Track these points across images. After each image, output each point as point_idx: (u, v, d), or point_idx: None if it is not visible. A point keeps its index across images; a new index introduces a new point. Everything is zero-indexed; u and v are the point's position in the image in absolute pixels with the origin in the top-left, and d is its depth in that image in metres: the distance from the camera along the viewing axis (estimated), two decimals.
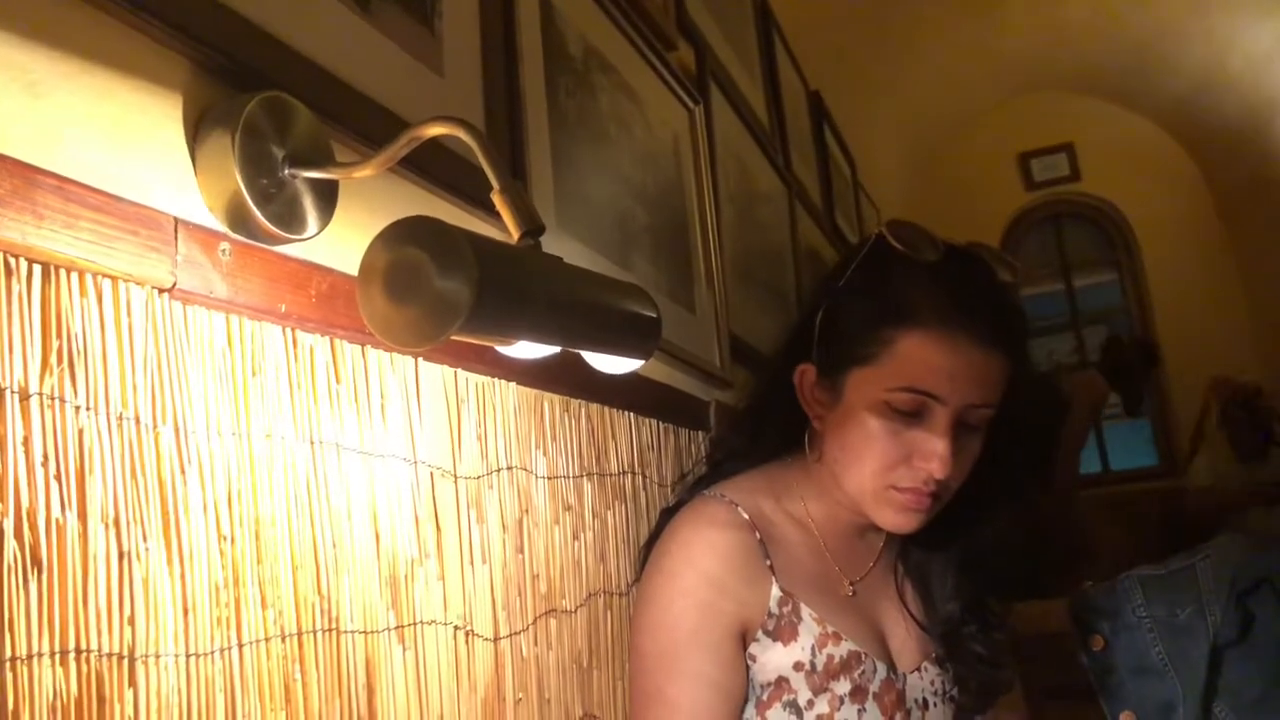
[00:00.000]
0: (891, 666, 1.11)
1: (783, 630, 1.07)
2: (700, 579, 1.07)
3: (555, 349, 0.71)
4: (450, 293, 0.48)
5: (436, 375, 0.89)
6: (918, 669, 1.13)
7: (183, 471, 0.61)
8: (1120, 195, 5.78)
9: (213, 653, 0.60)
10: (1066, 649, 1.40)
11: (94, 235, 0.57)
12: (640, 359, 0.73)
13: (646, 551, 1.20)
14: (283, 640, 0.66)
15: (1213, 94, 4.88)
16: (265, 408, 0.68)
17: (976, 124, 5.70)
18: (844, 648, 1.08)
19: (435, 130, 0.64)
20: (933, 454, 1.04)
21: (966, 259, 1.09)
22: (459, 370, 0.92)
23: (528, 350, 0.71)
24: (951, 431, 1.05)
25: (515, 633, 0.95)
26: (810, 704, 1.06)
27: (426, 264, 0.49)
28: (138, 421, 0.58)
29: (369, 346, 0.79)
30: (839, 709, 1.06)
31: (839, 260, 1.16)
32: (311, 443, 0.72)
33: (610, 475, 1.21)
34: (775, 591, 1.08)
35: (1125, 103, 5.46)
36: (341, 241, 0.78)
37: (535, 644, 0.98)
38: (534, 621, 0.99)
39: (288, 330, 0.71)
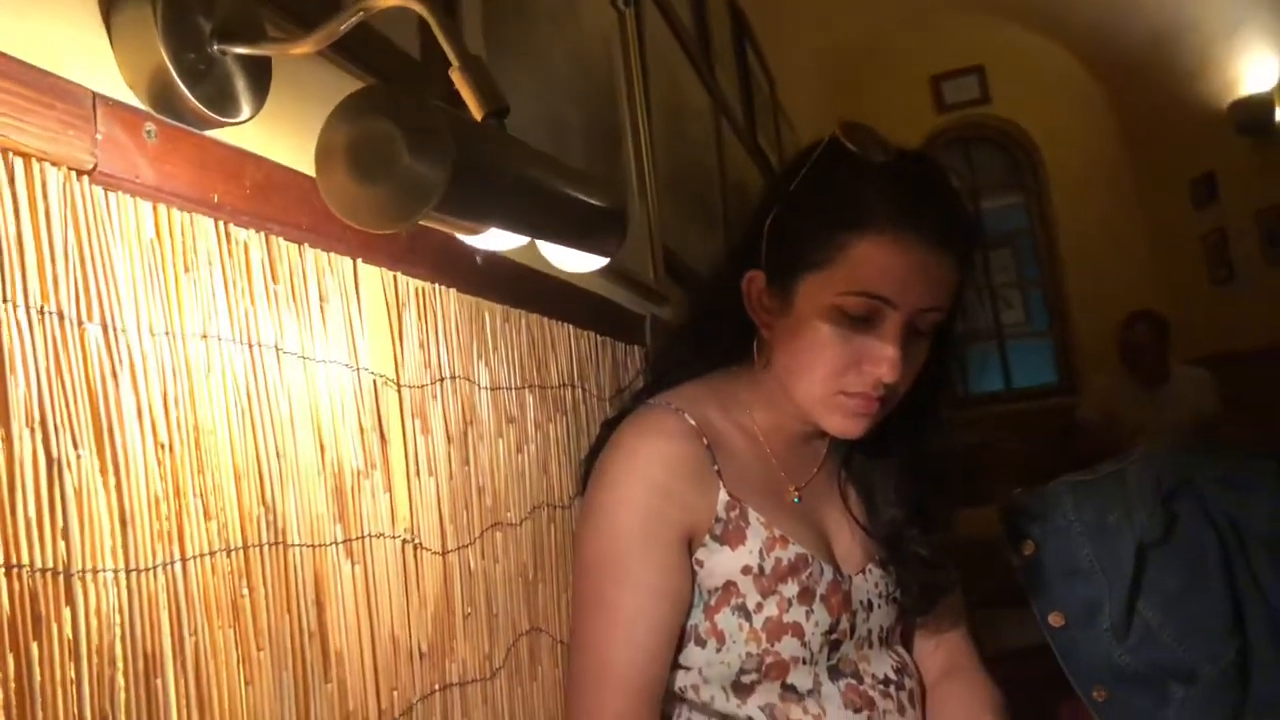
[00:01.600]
0: (837, 569, 1.11)
1: (730, 534, 1.07)
2: (647, 486, 1.06)
3: (519, 240, 0.66)
4: (424, 173, 0.44)
5: (375, 278, 0.84)
6: (862, 571, 1.14)
7: (114, 374, 0.55)
8: (1029, 119, 5.86)
9: (155, 568, 0.56)
10: (998, 554, 1.43)
11: (3, 106, 0.51)
12: (605, 255, 0.69)
13: (588, 464, 1.18)
14: (228, 555, 0.62)
15: (1120, 18, 4.95)
16: (199, 307, 0.63)
17: (890, 47, 5.70)
18: (791, 551, 1.08)
19: (387, 2, 0.58)
20: (883, 359, 1.04)
21: (920, 162, 1.07)
22: (399, 274, 0.87)
23: (490, 241, 0.66)
24: (902, 336, 1.04)
25: (463, 546, 0.92)
26: (759, 606, 1.06)
27: (398, 139, 0.44)
28: (61, 317, 0.53)
29: (306, 245, 0.74)
30: (787, 611, 1.06)
31: (788, 165, 1.13)
32: (250, 345, 0.67)
33: (551, 387, 1.18)
34: (723, 496, 1.07)
35: (1035, 26, 5.51)
36: (274, 130, 0.72)
37: (482, 557, 0.96)
38: (480, 535, 0.96)
39: (220, 224, 0.66)
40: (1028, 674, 1.32)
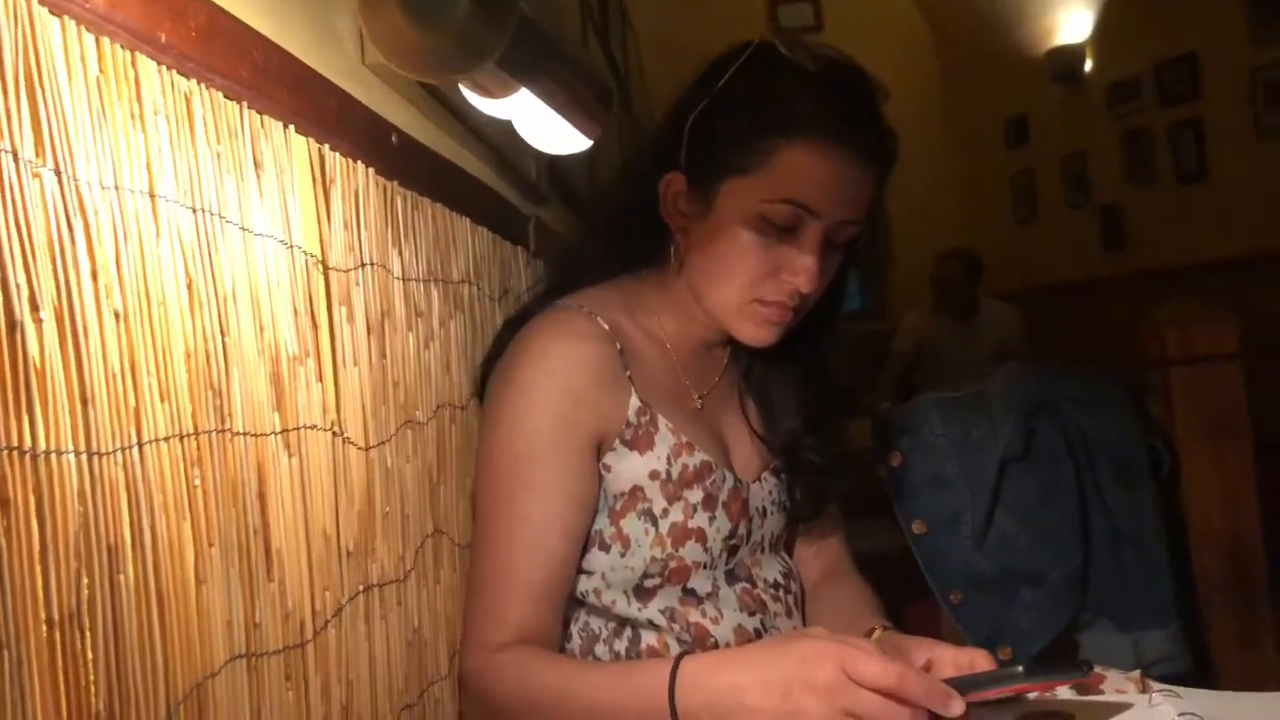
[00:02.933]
0: (736, 476, 1.13)
1: (640, 440, 1.06)
2: (559, 389, 1.03)
3: (537, 112, 0.61)
4: (484, 25, 0.39)
5: (303, 150, 0.76)
6: (758, 479, 1.16)
7: (69, 227, 0.48)
8: (857, 52, 5.98)
9: (115, 452, 0.50)
10: (865, 464, 1.49)
11: None
12: (593, 136, 0.65)
13: (487, 367, 1.14)
14: (181, 440, 0.56)
15: None
16: (144, 159, 0.55)
17: None
18: (697, 457, 1.08)
19: None
20: (802, 268, 1.04)
21: (852, 73, 1.07)
22: (326, 147, 0.79)
23: (505, 108, 0.61)
24: (821, 247, 1.05)
25: (382, 442, 0.87)
26: (665, 512, 1.06)
27: None
28: (16, 156, 0.45)
29: (246, 104, 0.66)
30: (692, 516, 1.07)
31: (710, 66, 1.10)
32: (195, 210, 0.60)
33: (452, 283, 1.13)
34: (634, 401, 1.06)
35: None
36: None
37: (397, 455, 0.91)
38: (396, 432, 0.91)
39: (164, 70, 0.58)
40: (875, 578, 1.38)
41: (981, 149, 5.31)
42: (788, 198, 1.02)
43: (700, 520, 1.07)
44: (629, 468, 1.06)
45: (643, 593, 1.07)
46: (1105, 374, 1.47)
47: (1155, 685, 0.83)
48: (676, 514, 1.07)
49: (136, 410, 0.52)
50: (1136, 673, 0.98)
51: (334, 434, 0.76)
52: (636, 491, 1.06)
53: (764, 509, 1.16)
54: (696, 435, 1.11)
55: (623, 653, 1.07)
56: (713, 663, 0.87)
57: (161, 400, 0.54)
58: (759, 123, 1.03)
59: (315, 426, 0.73)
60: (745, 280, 1.05)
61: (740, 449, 1.17)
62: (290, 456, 0.69)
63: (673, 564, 1.06)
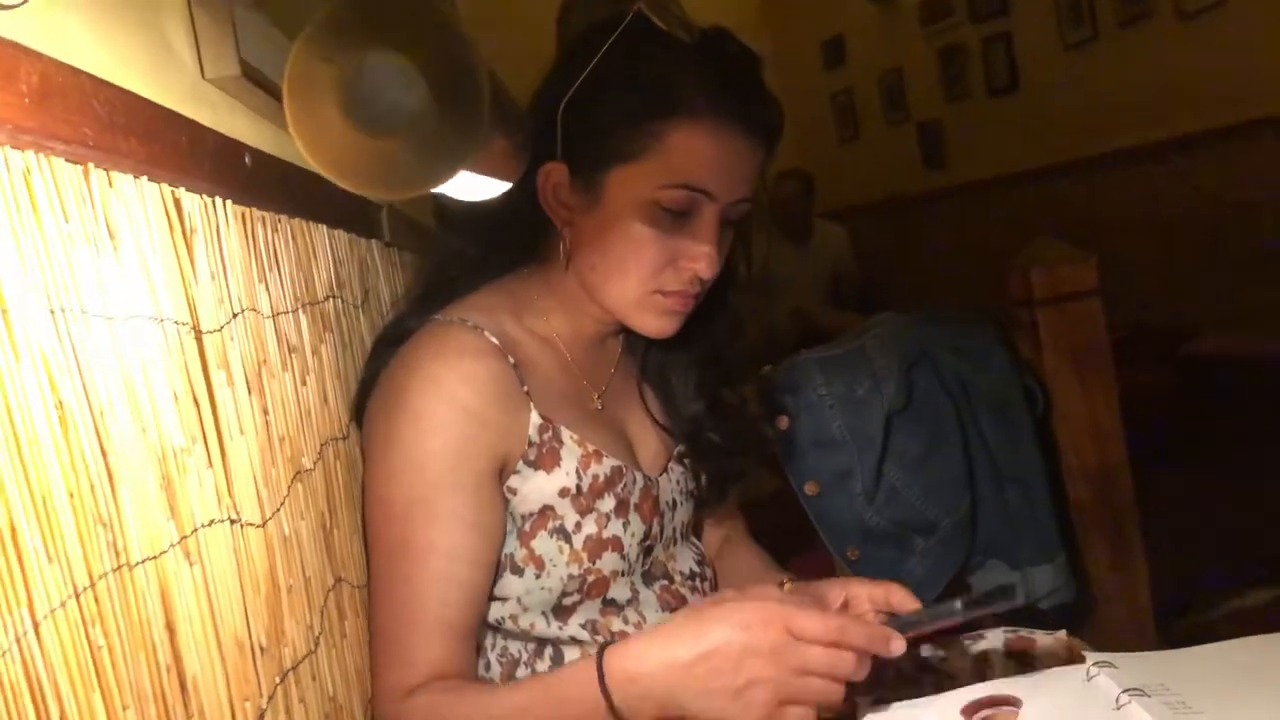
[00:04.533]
0: (645, 474, 1.09)
1: (545, 458, 1.00)
2: (455, 414, 0.96)
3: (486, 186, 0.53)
4: (453, 133, 0.32)
5: (158, 201, 0.66)
6: (665, 471, 1.13)
7: None
8: None
9: (7, 650, 0.41)
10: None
11: None
12: (510, 178, 0.58)
13: (365, 390, 1.05)
14: (78, 599, 0.47)
15: None
16: None
17: None
18: (606, 465, 1.04)
19: None
20: (701, 255, 1.00)
21: (726, 41, 1.02)
22: (183, 189, 0.69)
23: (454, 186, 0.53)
24: (719, 229, 1.01)
25: (277, 509, 0.78)
26: (578, 526, 1.02)
27: (418, 80, 0.32)
28: None
29: (92, 166, 0.56)
30: (606, 526, 1.03)
31: (578, 44, 1.03)
32: (53, 312, 0.50)
33: (318, 303, 1.03)
34: (535, 419, 1.00)
35: None
36: (51, 19, 0.53)
37: (292, 516, 0.82)
38: (288, 491, 0.82)
39: None
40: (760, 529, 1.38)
41: (801, 71, 5.36)
42: (683, 183, 0.97)
43: (615, 529, 1.04)
44: (536, 488, 1.00)
45: (562, 611, 1.03)
46: (977, 320, 1.50)
47: (1089, 655, 0.85)
48: (590, 526, 1.02)
49: (26, 584, 0.43)
50: (1063, 633, 1.01)
51: (230, 521, 0.68)
52: (546, 511, 1.01)
53: (673, 501, 1.13)
54: (602, 440, 1.06)
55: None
56: (639, 649, 0.83)
57: (49, 561, 0.45)
58: (642, 105, 0.97)
59: (212, 522, 0.64)
60: (644, 272, 1.01)
61: (645, 443, 1.13)
62: (191, 565, 0.60)
63: (591, 578, 1.02)
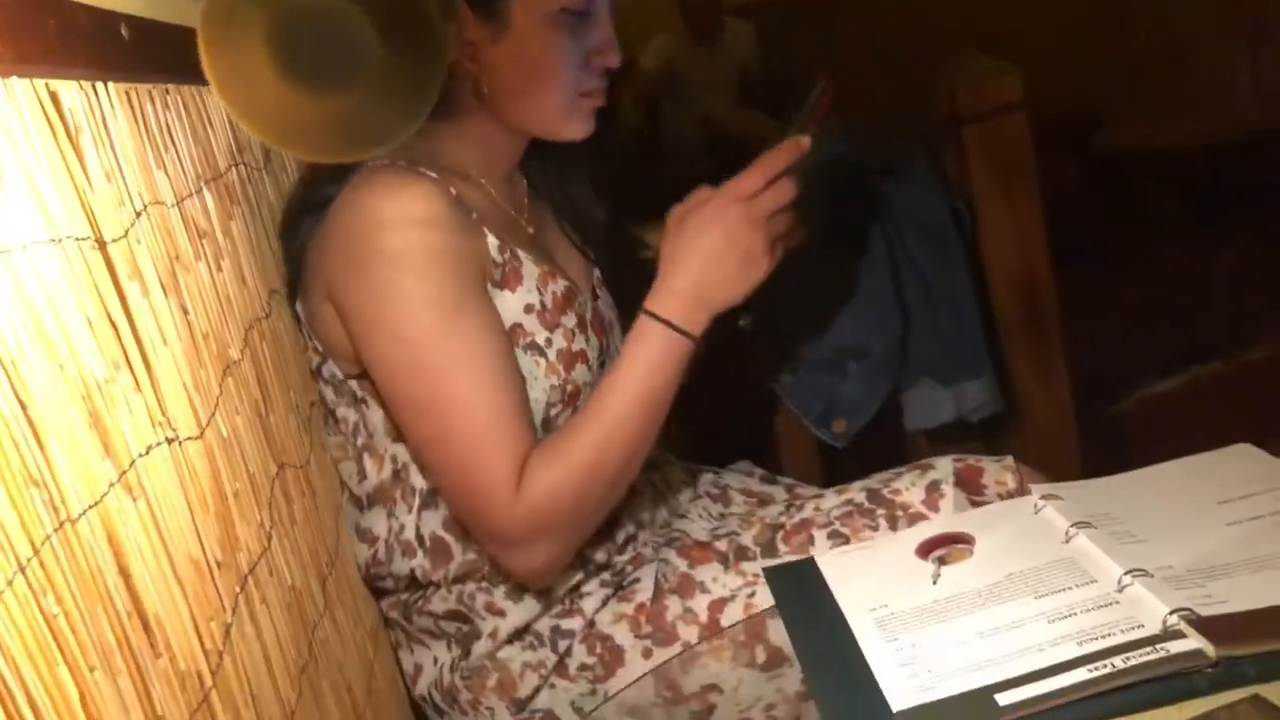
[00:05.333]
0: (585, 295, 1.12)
1: (508, 277, 1.03)
2: (433, 242, 0.97)
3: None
4: (415, 72, 0.27)
5: (34, 102, 0.58)
6: (596, 296, 1.15)
7: None
8: None
9: None
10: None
11: None
12: None
13: (297, 265, 1.03)
14: (24, 573, 0.44)
15: None
16: None
17: None
18: (560, 284, 1.08)
19: None
20: (606, 45, 1.03)
21: None
22: (54, 81, 0.61)
23: None
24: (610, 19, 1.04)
25: (212, 414, 0.74)
26: (549, 341, 1.05)
27: (366, 28, 0.26)
28: None
29: None
30: (573, 340, 1.06)
31: None
32: None
33: (221, 176, 0.95)
34: (492, 240, 1.03)
35: None
36: None
37: (228, 416, 0.79)
38: (220, 390, 0.78)
39: None
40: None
41: None
42: None
43: (580, 343, 1.08)
44: (504, 307, 1.03)
45: (548, 424, 1.05)
46: (904, 141, 1.47)
47: (1035, 488, 0.88)
48: (560, 340, 1.05)
49: None
50: (1010, 459, 1.05)
51: (168, 441, 0.64)
52: (516, 329, 1.04)
53: (610, 322, 1.16)
54: (548, 262, 1.09)
55: None
56: (663, 289, 0.99)
57: None
58: None
59: (149, 448, 0.61)
60: (567, 79, 1.02)
61: (572, 266, 1.14)
62: (135, 500, 0.57)
63: (569, 388, 1.06)
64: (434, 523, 1.06)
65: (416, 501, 1.06)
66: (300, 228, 1.01)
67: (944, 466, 1.07)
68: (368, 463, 1.09)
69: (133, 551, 0.55)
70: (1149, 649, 0.66)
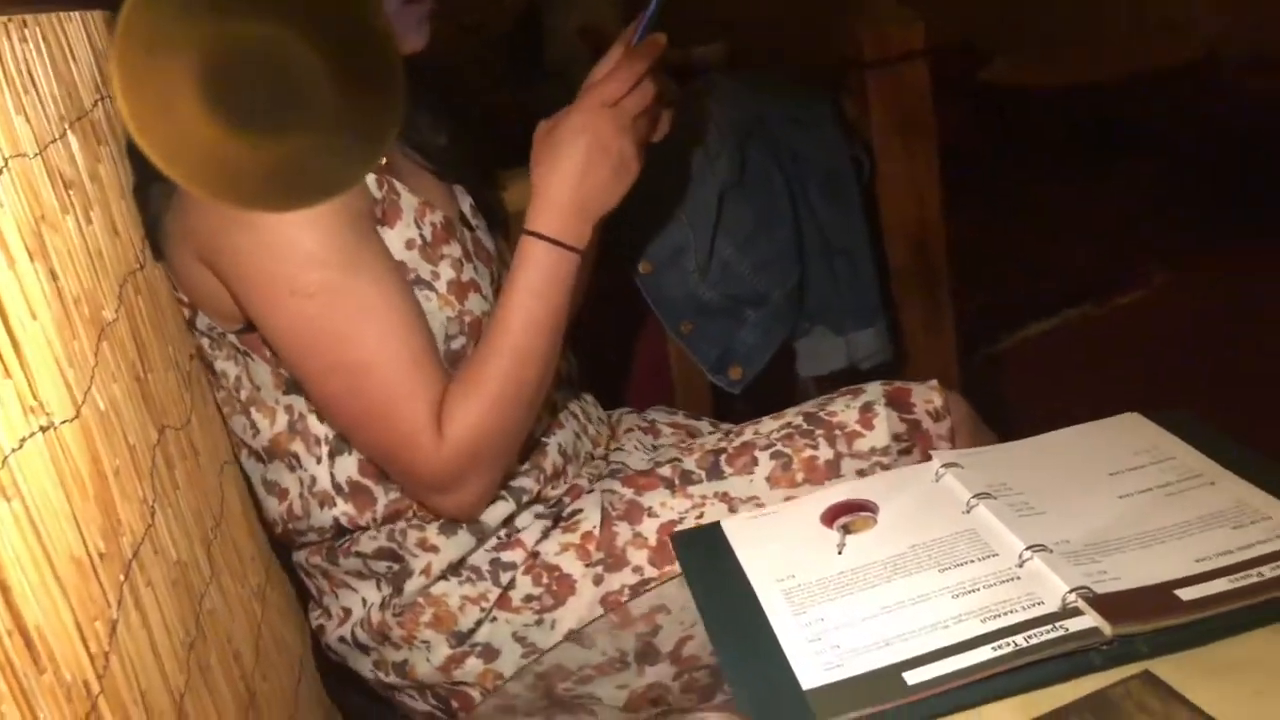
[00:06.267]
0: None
1: (388, 213, 1.00)
2: None
3: None
4: (369, 113, 0.23)
5: None
6: (469, 226, 1.12)
7: None
8: None
9: None
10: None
11: None
12: None
13: (156, 223, 0.96)
14: None
15: None
16: None
17: None
18: (438, 214, 1.05)
19: None
20: None
21: None
22: None
23: None
24: None
25: (88, 388, 0.69)
26: (435, 275, 1.03)
27: (315, 62, 0.22)
28: None
29: None
30: (461, 271, 1.04)
31: None
32: None
33: (87, 114, 0.87)
34: (369, 174, 0.98)
35: None
36: None
37: (104, 385, 0.73)
38: (95, 357, 0.72)
39: None
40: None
41: None
42: None
43: (470, 273, 1.06)
44: (388, 244, 0.99)
45: (452, 358, 1.03)
46: (812, 89, 1.45)
47: (935, 455, 0.89)
48: (447, 272, 1.03)
49: None
50: (934, 382, 1.08)
51: (43, 430, 0.59)
52: (400, 266, 1.00)
53: (493, 250, 1.13)
54: (422, 193, 1.06)
55: None
56: (541, 204, 0.99)
57: None
58: None
59: (23, 441, 0.55)
60: None
61: (438, 197, 1.10)
62: (10, 502, 0.52)
63: (466, 319, 1.04)
64: (349, 468, 1.02)
65: (324, 450, 1.03)
66: (152, 190, 0.94)
67: (874, 390, 1.09)
68: (257, 416, 1.04)
69: (10, 562, 0.50)
70: (1049, 627, 0.68)
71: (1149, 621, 0.67)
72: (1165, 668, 0.65)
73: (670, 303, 1.43)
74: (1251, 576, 0.69)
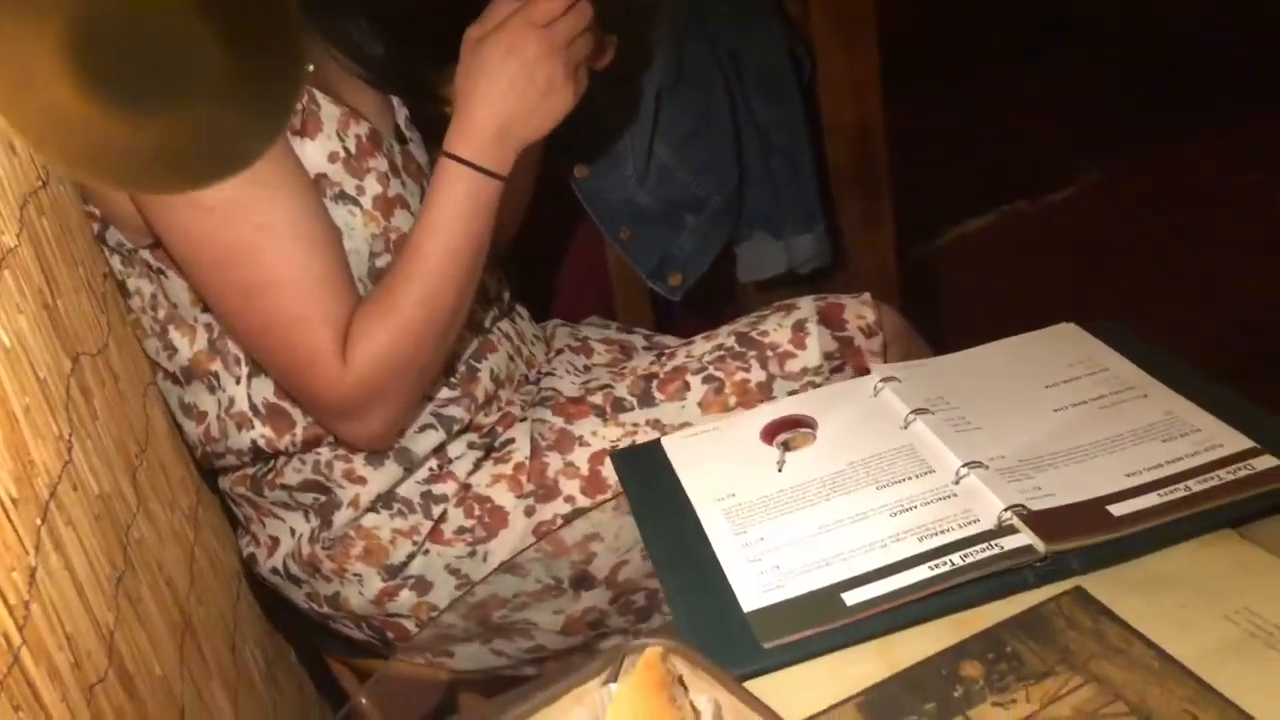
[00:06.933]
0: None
1: (308, 123, 0.96)
2: None
3: None
4: (269, 86, 0.20)
5: None
6: (404, 139, 1.08)
7: None
8: None
9: None
10: None
11: None
12: None
13: None
14: None
15: None
16: None
17: None
18: (364, 126, 1.01)
19: None
20: None
21: None
22: None
23: None
24: None
25: None
26: (360, 189, 0.99)
27: (200, 29, 0.19)
28: None
29: None
30: (387, 185, 1.00)
31: None
32: None
33: None
34: None
35: None
36: None
37: (9, 319, 0.69)
38: None
39: None
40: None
41: None
42: None
43: (397, 188, 1.02)
44: (306, 157, 0.95)
45: (377, 275, 1.00)
46: None
47: (874, 368, 0.89)
48: (373, 186, 0.99)
49: None
50: (867, 295, 1.07)
51: None
52: (321, 180, 0.97)
53: (426, 166, 1.09)
54: (346, 103, 1.01)
55: None
56: (461, 124, 0.94)
57: None
58: None
59: None
60: None
61: (370, 107, 1.06)
62: None
63: (392, 236, 1.00)
64: (265, 389, 1.00)
65: (244, 370, 1.00)
66: None
67: (806, 306, 1.08)
68: (175, 336, 1.00)
69: None
70: (985, 545, 0.68)
71: (1081, 538, 0.68)
72: (1096, 583, 0.66)
73: (607, 208, 1.40)
74: (1180, 490, 0.70)
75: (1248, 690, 0.57)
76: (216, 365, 0.99)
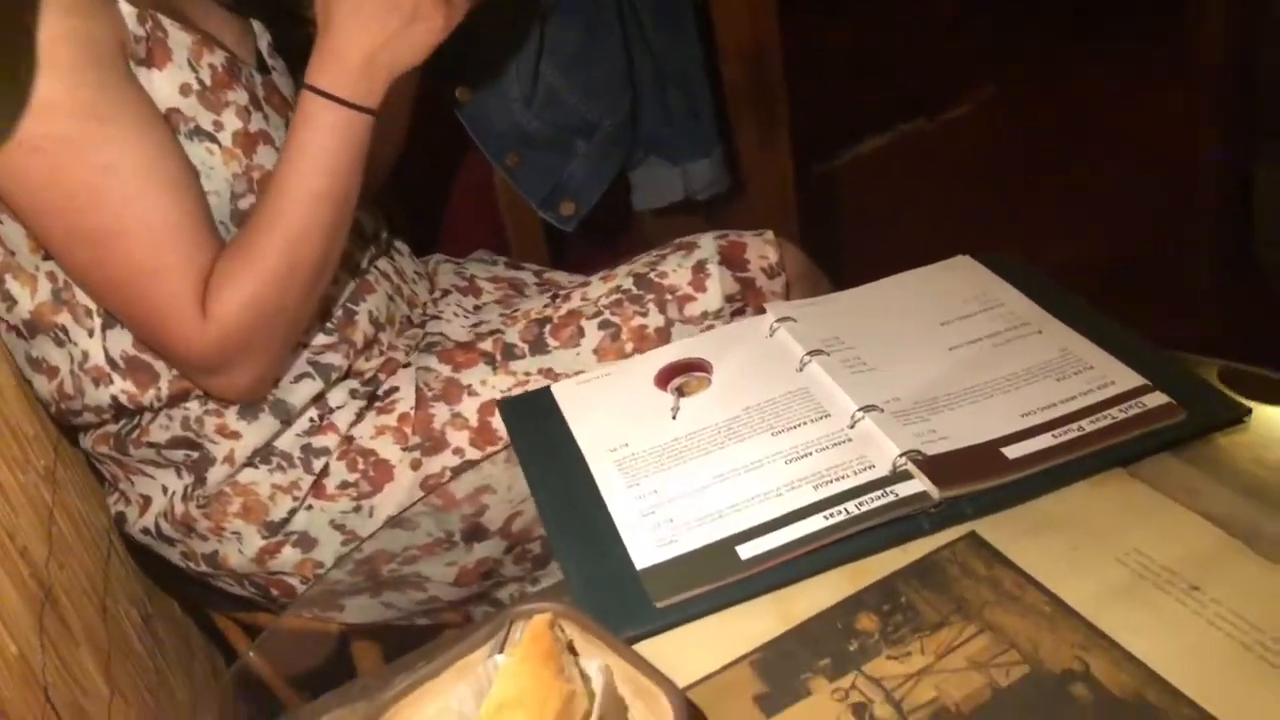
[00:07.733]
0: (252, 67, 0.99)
1: (155, 53, 0.88)
2: (57, 25, 0.79)
3: None
4: None
5: None
6: (268, 65, 1.01)
7: None
8: None
9: None
10: None
11: None
12: None
13: None
14: None
15: None
16: None
17: None
18: (220, 55, 0.93)
19: None
20: None
21: None
22: None
23: None
24: None
25: None
26: (218, 125, 0.91)
27: None
28: None
29: None
30: (249, 120, 0.93)
31: None
32: None
33: None
34: (126, 7, 0.86)
35: None
36: None
37: None
38: None
39: None
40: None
41: None
42: None
43: (259, 122, 0.94)
44: (153, 90, 0.88)
45: (240, 218, 0.94)
46: None
47: (769, 308, 0.86)
48: (232, 121, 0.92)
49: None
50: (770, 233, 1.04)
51: None
52: (173, 114, 0.89)
53: (292, 98, 1.02)
54: (199, 30, 0.93)
55: None
56: (324, 55, 0.87)
57: None
58: None
59: None
60: None
61: (229, 34, 0.99)
62: None
63: (255, 174, 0.93)
64: (124, 342, 0.93)
65: (96, 323, 0.92)
66: None
67: (707, 245, 1.05)
68: (13, 286, 0.92)
69: None
70: (879, 493, 0.67)
71: (975, 483, 0.67)
72: (989, 528, 0.66)
73: (493, 134, 1.33)
74: (1073, 431, 0.70)
75: (1136, 633, 0.57)
76: (64, 317, 0.91)
